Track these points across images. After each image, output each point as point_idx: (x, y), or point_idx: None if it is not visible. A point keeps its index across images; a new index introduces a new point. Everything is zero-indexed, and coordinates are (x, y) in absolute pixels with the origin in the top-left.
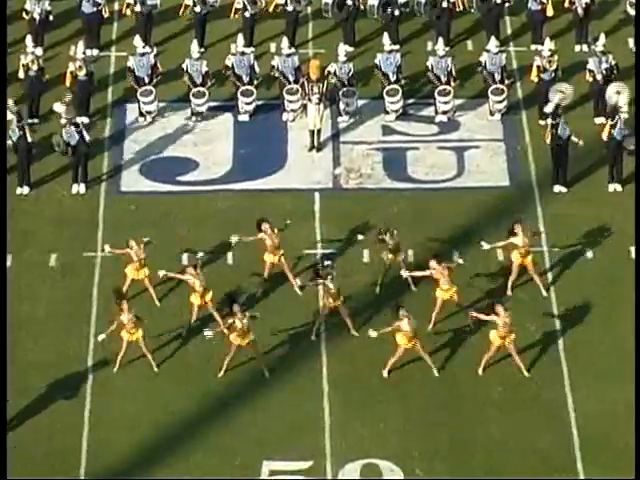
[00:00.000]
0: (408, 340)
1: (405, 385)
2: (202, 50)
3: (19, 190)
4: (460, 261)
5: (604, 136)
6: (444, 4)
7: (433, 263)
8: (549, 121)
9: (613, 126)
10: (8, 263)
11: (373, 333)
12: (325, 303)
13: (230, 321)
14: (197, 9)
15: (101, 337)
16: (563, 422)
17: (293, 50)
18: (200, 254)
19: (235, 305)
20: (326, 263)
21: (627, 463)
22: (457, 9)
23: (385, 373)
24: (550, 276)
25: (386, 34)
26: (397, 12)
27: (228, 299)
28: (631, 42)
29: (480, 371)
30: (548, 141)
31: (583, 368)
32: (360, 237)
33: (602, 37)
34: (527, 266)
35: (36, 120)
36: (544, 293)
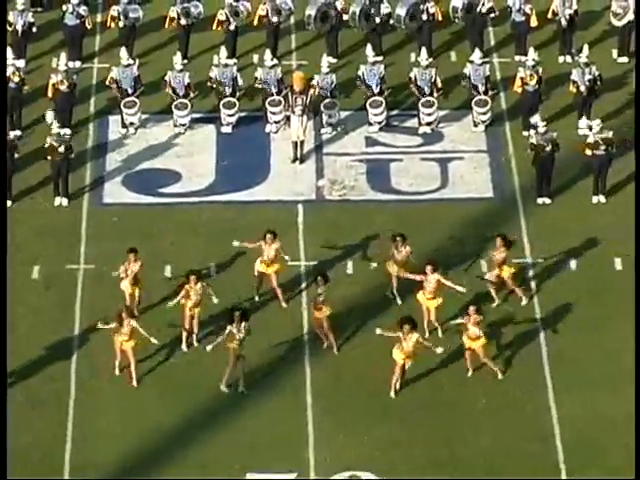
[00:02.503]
0: (403, 354)
1: (388, 396)
2: (185, 62)
3: None
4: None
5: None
6: (424, 17)
7: (428, 270)
8: (532, 132)
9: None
10: None
11: (378, 330)
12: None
13: (228, 330)
14: (182, 22)
15: (100, 325)
16: (547, 428)
17: (276, 62)
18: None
19: (236, 312)
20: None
21: (607, 469)
22: (437, 20)
23: (392, 394)
24: (534, 287)
25: (369, 45)
26: (377, 20)
27: (235, 309)
28: (614, 53)
29: (469, 373)
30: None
31: (567, 377)
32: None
33: (586, 48)
34: (505, 279)
35: (18, 132)
36: (524, 302)
